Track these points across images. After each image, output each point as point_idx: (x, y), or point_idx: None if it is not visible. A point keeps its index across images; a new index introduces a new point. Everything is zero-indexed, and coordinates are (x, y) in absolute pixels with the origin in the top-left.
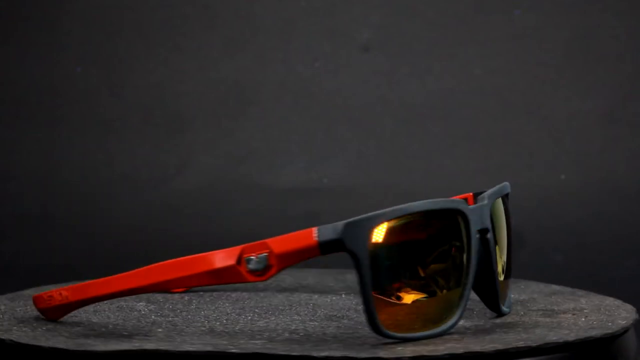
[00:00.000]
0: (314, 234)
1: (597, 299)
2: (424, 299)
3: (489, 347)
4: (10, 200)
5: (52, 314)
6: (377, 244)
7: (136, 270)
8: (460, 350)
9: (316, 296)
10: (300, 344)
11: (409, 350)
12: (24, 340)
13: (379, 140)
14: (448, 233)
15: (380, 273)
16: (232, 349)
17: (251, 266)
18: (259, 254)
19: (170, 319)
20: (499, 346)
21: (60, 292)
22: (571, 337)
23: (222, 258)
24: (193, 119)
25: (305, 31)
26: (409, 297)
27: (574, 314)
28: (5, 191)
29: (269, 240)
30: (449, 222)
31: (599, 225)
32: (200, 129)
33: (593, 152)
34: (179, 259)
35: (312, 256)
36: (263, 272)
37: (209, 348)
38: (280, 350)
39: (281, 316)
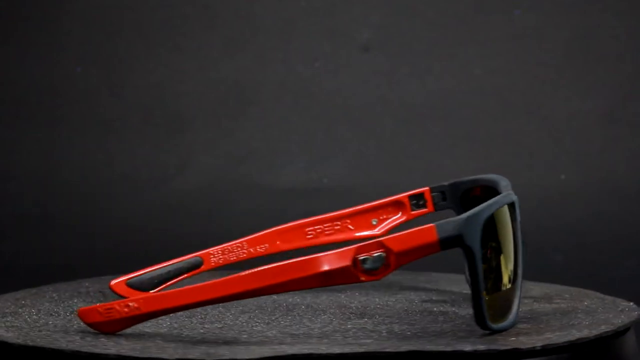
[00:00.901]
0: (435, 230)
1: (598, 298)
2: (501, 292)
3: (492, 347)
4: (10, 200)
5: (110, 326)
6: (484, 240)
7: (234, 276)
8: (468, 348)
9: (343, 295)
10: (407, 339)
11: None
12: (86, 349)
13: (379, 140)
14: (511, 227)
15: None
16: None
17: (367, 266)
18: (374, 253)
19: (259, 327)
20: (502, 347)
21: (126, 304)
22: (574, 337)
23: (334, 259)
24: (193, 119)
25: (305, 31)
26: (495, 291)
27: (575, 314)
28: (5, 191)
29: (384, 240)
30: (511, 215)
31: (599, 225)
32: (200, 129)
33: (593, 152)
34: (283, 262)
35: (430, 253)
36: (379, 271)
37: (362, 349)
38: (403, 347)
39: (354, 318)
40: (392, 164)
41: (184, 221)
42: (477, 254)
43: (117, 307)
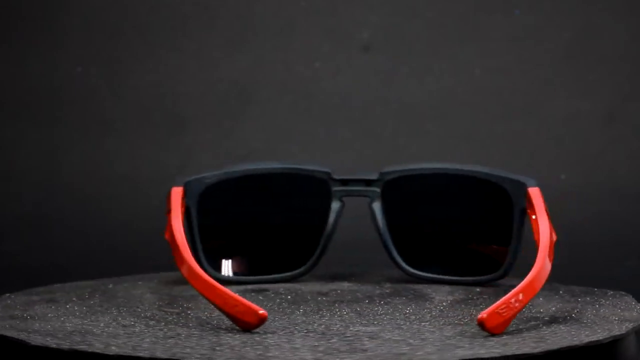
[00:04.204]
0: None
1: (599, 298)
2: None
3: (493, 351)
4: (10, 200)
5: (503, 326)
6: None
7: None
8: (469, 356)
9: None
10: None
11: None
12: None
13: (379, 140)
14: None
15: None
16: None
17: None
18: None
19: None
20: (496, 352)
21: (515, 298)
22: (575, 341)
23: None
24: (193, 119)
25: (305, 31)
26: None
27: (575, 315)
28: (5, 191)
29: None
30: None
31: (599, 225)
32: (200, 129)
33: (593, 152)
34: None
35: None
36: None
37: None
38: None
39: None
40: (392, 164)
41: None
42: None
43: (509, 304)
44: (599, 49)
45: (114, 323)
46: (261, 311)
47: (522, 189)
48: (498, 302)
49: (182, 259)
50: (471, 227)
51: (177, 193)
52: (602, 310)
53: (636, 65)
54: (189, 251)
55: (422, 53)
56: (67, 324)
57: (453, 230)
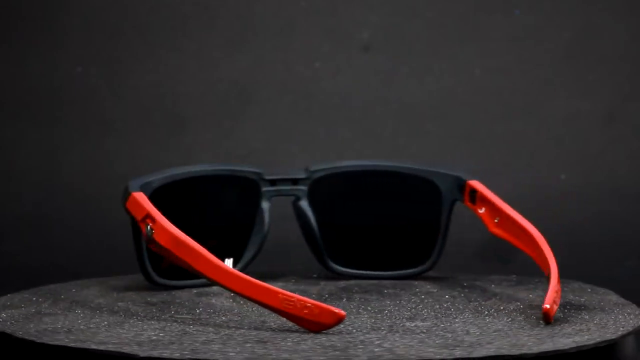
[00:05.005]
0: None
1: (599, 299)
2: None
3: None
4: (10, 200)
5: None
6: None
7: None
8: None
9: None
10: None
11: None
12: None
13: (379, 140)
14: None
15: None
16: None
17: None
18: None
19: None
20: (492, 352)
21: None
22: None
23: None
24: (193, 119)
25: (305, 31)
26: None
27: (574, 315)
28: (5, 191)
29: None
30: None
31: (599, 225)
32: (200, 129)
33: (593, 152)
34: None
35: None
36: None
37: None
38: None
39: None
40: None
41: None
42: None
43: (558, 293)
44: (599, 49)
45: (118, 321)
46: (338, 311)
47: (453, 182)
48: (550, 293)
49: (212, 265)
50: (400, 222)
51: (142, 198)
52: (602, 311)
53: (636, 65)
54: (213, 256)
55: (422, 53)
56: (69, 323)
57: (381, 226)
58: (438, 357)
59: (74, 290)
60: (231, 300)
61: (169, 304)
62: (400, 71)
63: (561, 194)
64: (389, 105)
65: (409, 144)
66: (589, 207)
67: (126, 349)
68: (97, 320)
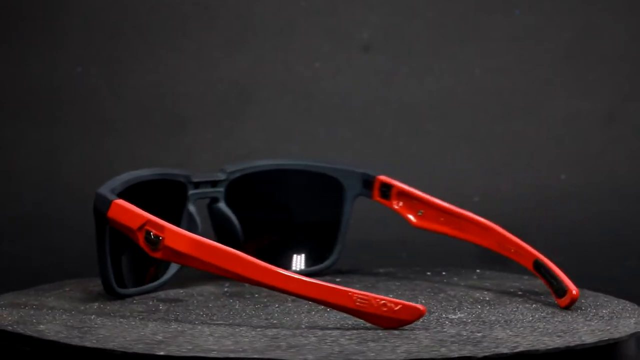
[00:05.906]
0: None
1: (599, 299)
2: None
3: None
4: (10, 200)
5: None
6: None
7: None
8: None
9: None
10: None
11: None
12: None
13: (379, 140)
14: None
15: None
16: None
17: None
18: None
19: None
20: (488, 352)
21: None
22: (572, 343)
23: None
24: (193, 119)
25: (305, 31)
26: None
27: (574, 316)
28: (5, 191)
29: None
30: None
31: (599, 225)
32: (200, 129)
33: (593, 152)
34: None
35: None
36: None
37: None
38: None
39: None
40: (392, 164)
41: None
42: None
43: None
44: (599, 49)
45: (118, 321)
46: (420, 307)
47: (358, 178)
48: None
49: (263, 270)
50: (306, 220)
51: (130, 205)
52: (601, 312)
53: (636, 65)
54: (257, 259)
55: (422, 53)
56: (69, 323)
57: (291, 224)
58: (460, 353)
59: (74, 290)
60: (226, 299)
61: (169, 304)
62: (400, 71)
63: (561, 194)
64: (389, 105)
65: (409, 144)
66: (589, 207)
67: (127, 348)
68: (97, 319)
